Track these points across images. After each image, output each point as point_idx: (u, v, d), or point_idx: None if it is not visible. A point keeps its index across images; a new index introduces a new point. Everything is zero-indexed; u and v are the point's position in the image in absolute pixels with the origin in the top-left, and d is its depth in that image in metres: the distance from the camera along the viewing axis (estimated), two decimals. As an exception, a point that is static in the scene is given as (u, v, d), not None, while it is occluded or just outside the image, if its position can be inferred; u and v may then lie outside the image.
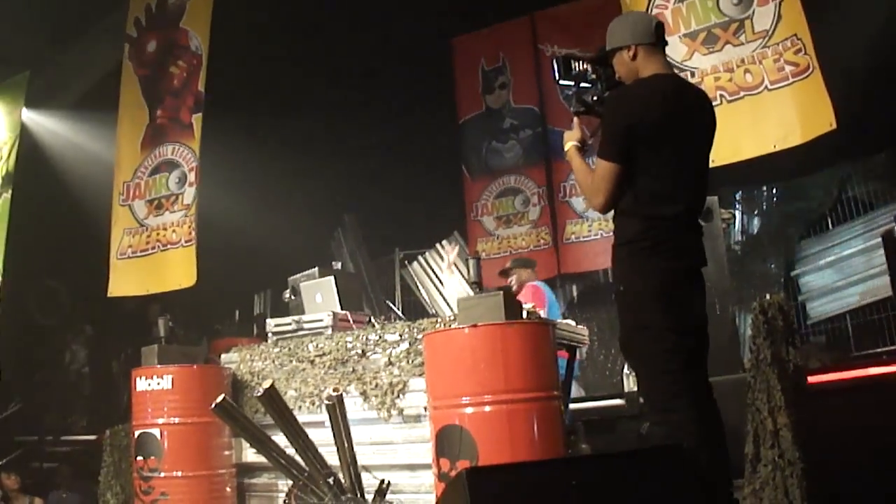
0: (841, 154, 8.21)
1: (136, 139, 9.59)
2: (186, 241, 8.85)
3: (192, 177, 9.04)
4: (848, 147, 7.87)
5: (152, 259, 9.16)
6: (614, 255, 4.08)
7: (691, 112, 4.08)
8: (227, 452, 6.88)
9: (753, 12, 6.71)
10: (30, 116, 10.98)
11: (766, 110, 6.49)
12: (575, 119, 4.38)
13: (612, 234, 4.14)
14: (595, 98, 4.32)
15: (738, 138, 6.29)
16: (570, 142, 4.31)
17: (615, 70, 4.23)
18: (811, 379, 5.35)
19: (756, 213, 9.41)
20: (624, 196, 3.99)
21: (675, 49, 6.65)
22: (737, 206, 9.40)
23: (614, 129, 4.01)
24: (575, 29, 9.07)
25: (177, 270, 8.90)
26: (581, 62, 4.34)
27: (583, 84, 4.34)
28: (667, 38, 4.27)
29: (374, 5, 9.79)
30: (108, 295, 9.40)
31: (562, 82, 4.36)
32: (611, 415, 7.39)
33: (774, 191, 9.29)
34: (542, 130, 9.84)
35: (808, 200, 9.10)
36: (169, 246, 9.02)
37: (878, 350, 7.28)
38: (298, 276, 7.73)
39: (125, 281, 9.35)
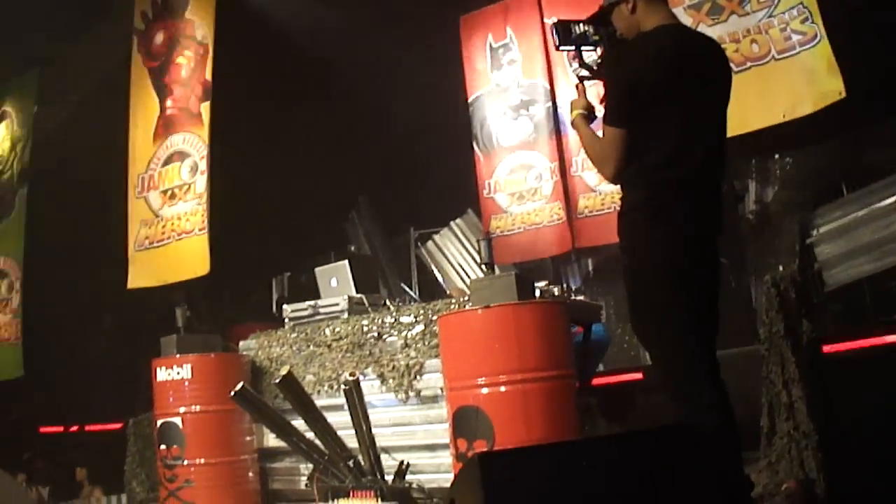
0: (854, 120, 8.14)
1: (149, 131, 9.65)
2: (200, 230, 8.91)
3: (203, 165, 9.08)
4: (861, 113, 7.81)
5: (168, 249, 9.23)
6: (620, 224, 3.82)
7: (700, 64, 3.77)
8: (248, 438, 6.96)
9: (758, -19, 6.67)
10: (42, 113, 11.03)
11: (773, 80, 6.46)
12: (579, 86, 4.14)
13: None
14: (599, 61, 4.06)
15: (746, 109, 6.26)
16: (576, 110, 4.03)
17: (617, 27, 3.93)
18: (827, 348, 5.32)
19: (770, 182, 9.36)
20: (631, 161, 3.70)
21: (680, 20, 6.61)
22: (751, 175, 9.35)
23: (616, 91, 3.74)
24: (582, 1, 9.03)
25: (191, 259, 8.96)
26: (580, 24, 4.04)
27: (584, 47, 4.05)
28: (671, 9, 3.95)
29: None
30: (128, 287, 9.49)
31: (562, 48, 4.09)
32: (629, 389, 7.41)
33: (788, 159, 9.24)
34: (552, 105, 9.79)
35: (822, 168, 9.04)
36: (183, 235, 9.08)
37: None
38: (325, 267, 7.71)
39: (143, 272, 9.44)
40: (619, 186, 3.88)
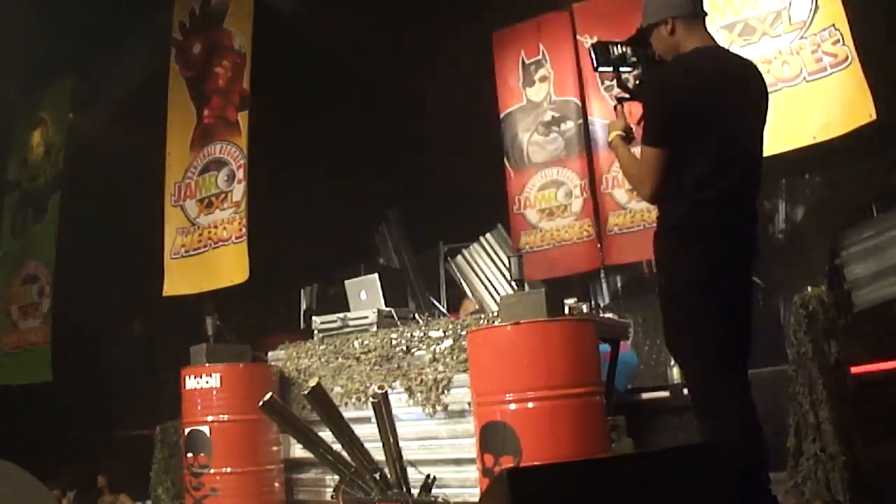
0: (885, 142, 8.12)
1: (186, 140, 9.72)
2: (237, 238, 8.94)
3: (240, 174, 9.12)
4: (892, 134, 7.78)
5: (204, 257, 9.28)
6: (656, 243, 3.87)
7: (738, 86, 3.80)
8: (275, 448, 7.00)
9: (790, 3, 6.67)
10: (76, 120, 11.17)
11: (804, 102, 6.45)
12: (618, 107, 4.18)
13: (655, 225, 3.95)
14: (637, 82, 4.09)
15: (776, 131, 6.24)
16: (615, 131, 4.10)
17: (655, 49, 3.98)
18: (856, 370, 5.31)
19: (800, 202, 9.34)
20: (669, 182, 3.73)
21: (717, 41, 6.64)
22: (781, 195, 9.33)
23: (656, 112, 3.79)
24: (615, 19, 9.03)
25: (228, 267, 9.01)
26: (618, 46, 4.07)
27: (622, 68, 4.09)
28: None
29: (415, 1, 9.86)
30: (164, 294, 9.55)
31: (600, 69, 4.10)
32: (657, 407, 7.40)
33: (818, 179, 9.22)
34: (584, 122, 9.81)
35: (851, 189, 9.01)
36: (220, 243, 9.12)
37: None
38: (355, 280, 7.76)
39: (179, 280, 9.49)
40: (652, 205, 3.89)
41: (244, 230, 8.91)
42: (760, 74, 4.01)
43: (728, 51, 4.02)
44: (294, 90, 10.56)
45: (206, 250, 9.27)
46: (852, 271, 8.90)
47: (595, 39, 4.30)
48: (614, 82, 4.15)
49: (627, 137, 4.09)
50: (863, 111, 6.30)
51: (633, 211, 9.03)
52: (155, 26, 10.38)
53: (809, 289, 5.35)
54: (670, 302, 3.84)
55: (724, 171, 3.69)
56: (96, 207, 10.78)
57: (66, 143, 11.05)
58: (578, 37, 9.74)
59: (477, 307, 10.19)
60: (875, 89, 6.37)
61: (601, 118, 9.27)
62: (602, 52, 4.07)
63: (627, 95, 4.13)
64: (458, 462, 5.93)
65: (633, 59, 4.07)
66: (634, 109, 4.00)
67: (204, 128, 9.63)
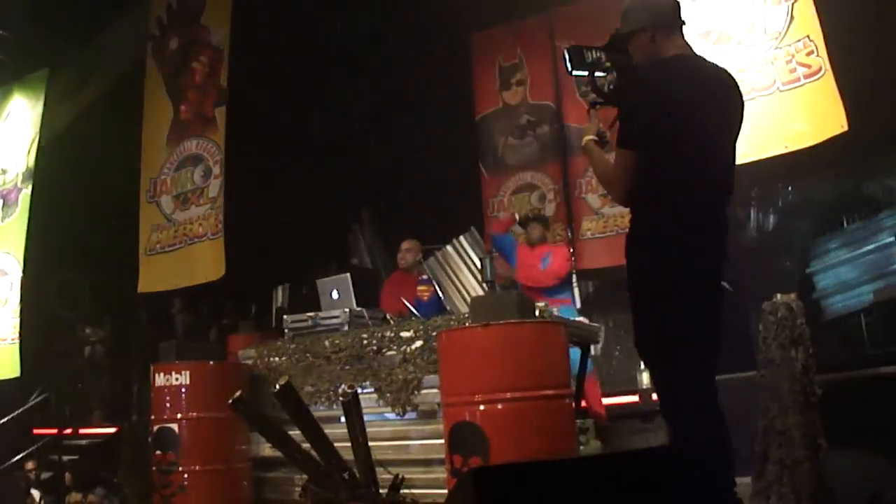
0: (856, 153, 8.20)
1: (162, 136, 9.69)
2: (213, 234, 8.91)
3: (216, 169, 9.10)
4: (863, 146, 7.86)
5: (180, 253, 9.23)
6: (627, 246, 3.84)
7: (714, 94, 3.80)
8: (244, 447, 6.96)
9: (766, 13, 6.71)
10: (50, 113, 11.08)
11: (777, 112, 6.50)
12: (591, 112, 4.17)
13: (627, 229, 3.95)
14: (611, 87, 4.08)
15: (748, 139, 6.29)
16: (588, 135, 4.06)
17: (632, 55, 3.95)
18: (823, 377, 5.35)
19: (771, 210, 9.41)
20: (642, 185, 3.72)
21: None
22: (752, 203, 9.40)
23: (631, 115, 3.77)
24: (593, 25, 9.06)
25: (204, 264, 8.96)
26: (594, 51, 4.04)
27: (597, 73, 4.06)
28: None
29: (393, 1, 9.87)
30: (139, 291, 9.49)
31: (575, 73, 4.08)
32: (625, 412, 7.44)
33: (790, 188, 9.30)
34: (559, 127, 9.85)
35: (823, 198, 9.10)
36: (195, 239, 9.08)
37: (893, 349, 7.27)
38: (327, 280, 7.75)
39: (154, 276, 9.44)
40: (624, 208, 3.90)
41: (220, 226, 8.86)
42: (736, 83, 4.01)
43: (705, 59, 4.03)
44: (270, 88, 10.54)
45: (181, 246, 9.22)
46: (822, 281, 9.00)
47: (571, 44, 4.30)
48: (589, 87, 4.15)
49: (601, 142, 4.07)
50: (835, 122, 6.36)
51: (606, 216, 9.09)
52: (132, 21, 10.32)
53: (779, 296, 5.39)
54: (640, 305, 3.83)
55: (697, 176, 3.70)
56: (69, 202, 10.71)
57: (40, 137, 10.95)
58: (556, 42, 9.77)
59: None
60: (847, 101, 6.43)
61: (577, 123, 9.31)
62: (577, 55, 4.04)
63: (601, 100, 4.13)
64: (427, 462, 5.93)
65: (608, 63, 4.06)
66: (608, 115, 3.99)
67: (180, 123, 9.59)
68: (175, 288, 9.35)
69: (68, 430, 10.54)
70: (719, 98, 3.83)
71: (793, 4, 6.58)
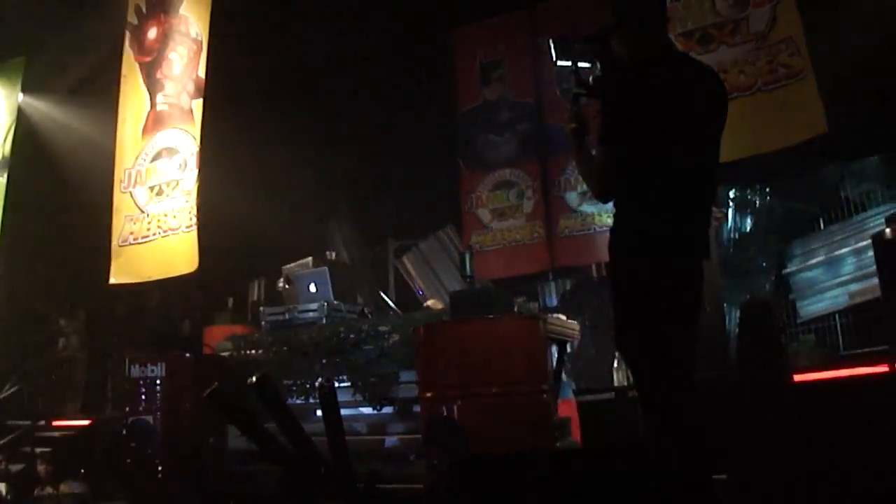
0: (834, 155, 8.24)
1: (137, 126, 9.60)
2: (187, 227, 8.81)
3: (192, 162, 9.00)
4: (841, 148, 7.90)
5: (153, 246, 9.13)
6: (611, 245, 3.79)
7: (696, 91, 3.80)
8: (219, 439, 6.94)
9: (749, 14, 6.74)
10: (26, 101, 11.00)
11: (757, 112, 6.52)
12: (573, 101, 4.10)
13: (605, 228, 3.92)
14: (595, 78, 4.06)
15: (728, 139, 6.31)
16: (570, 124, 4.02)
17: (615, 48, 3.96)
18: (798, 377, 5.38)
19: (748, 211, 9.44)
20: (623, 183, 3.73)
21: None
22: (729, 204, 9.43)
23: (611, 111, 3.75)
24: (574, 23, 9.08)
25: (178, 257, 8.85)
26: (579, 42, 4.06)
27: (581, 64, 4.05)
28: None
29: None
30: (110, 283, 9.39)
31: (559, 63, 4.08)
32: (600, 409, 7.44)
33: (767, 190, 9.33)
34: (539, 124, 9.85)
35: (800, 200, 9.12)
36: (170, 232, 8.99)
37: (866, 350, 7.32)
38: (293, 265, 7.76)
39: (126, 268, 9.33)
40: (603, 207, 3.91)
41: (195, 219, 8.76)
42: (721, 82, 4.03)
43: (689, 57, 4.04)
44: (247, 81, 10.49)
45: (154, 239, 9.13)
46: (798, 282, 9.04)
47: (553, 40, 4.29)
48: (573, 78, 4.14)
49: (583, 132, 4.04)
50: (814, 123, 6.39)
51: (584, 214, 9.08)
52: (110, 9, 10.24)
53: (755, 297, 5.42)
54: (621, 300, 3.82)
55: (679, 174, 3.72)
56: (45, 192, 10.62)
57: (15, 126, 10.86)
58: (538, 39, 9.77)
59: (442, 307, 10.21)
60: (827, 102, 6.46)
61: (557, 122, 9.30)
62: (562, 46, 4.07)
63: (584, 91, 4.10)
64: (403, 456, 5.93)
65: (592, 56, 4.07)
66: (593, 106, 3.98)
67: (157, 114, 9.51)
68: (147, 280, 9.23)
69: (41, 422, 10.49)
70: (701, 95, 3.83)
71: (775, 5, 6.61)
